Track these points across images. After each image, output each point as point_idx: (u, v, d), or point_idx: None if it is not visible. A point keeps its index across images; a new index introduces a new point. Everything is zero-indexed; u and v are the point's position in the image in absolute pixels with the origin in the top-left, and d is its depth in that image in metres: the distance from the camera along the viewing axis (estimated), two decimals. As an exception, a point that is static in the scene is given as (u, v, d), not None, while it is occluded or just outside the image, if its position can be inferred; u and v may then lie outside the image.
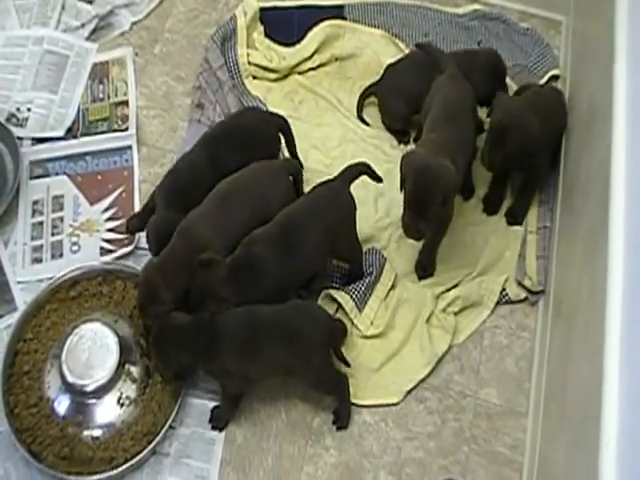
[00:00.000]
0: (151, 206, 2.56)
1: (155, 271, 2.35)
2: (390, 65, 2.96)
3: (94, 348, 2.35)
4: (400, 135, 2.96)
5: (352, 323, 2.56)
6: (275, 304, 2.29)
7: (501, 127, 2.53)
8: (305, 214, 2.39)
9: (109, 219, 2.76)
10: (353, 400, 2.44)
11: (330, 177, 2.50)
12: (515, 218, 2.79)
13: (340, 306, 2.58)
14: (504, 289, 2.68)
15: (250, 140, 2.58)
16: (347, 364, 2.40)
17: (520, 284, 2.68)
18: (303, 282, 2.51)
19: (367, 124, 3.00)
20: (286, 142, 2.73)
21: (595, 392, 1.76)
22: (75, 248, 2.72)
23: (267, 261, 2.31)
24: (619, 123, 2.10)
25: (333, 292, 2.58)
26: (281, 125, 2.70)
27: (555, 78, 3.08)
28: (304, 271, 2.45)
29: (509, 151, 2.52)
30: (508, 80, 3.04)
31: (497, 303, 2.66)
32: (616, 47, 2.23)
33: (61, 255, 2.70)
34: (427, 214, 2.32)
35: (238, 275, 2.29)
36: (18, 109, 2.95)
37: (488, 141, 2.56)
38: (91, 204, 2.80)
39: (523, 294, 2.68)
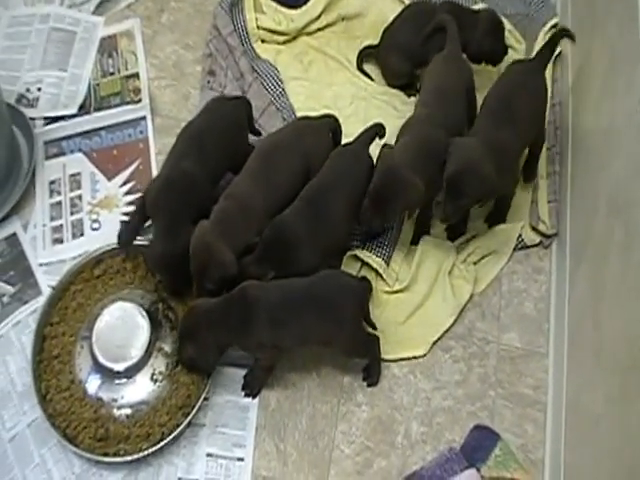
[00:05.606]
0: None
1: (213, 234, 2.14)
2: (386, 28, 2.81)
3: (124, 327, 2.21)
4: (408, 89, 2.82)
5: (380, 278, 2.45)
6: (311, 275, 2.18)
7: (455, 179, 2.25)
8: (330, 182, 2.30)
9: (127, 193, 2.60)
10: (381, 355, 2.34)
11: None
12: (495, 222, 2.58)
13: (365, 262, 2.46)
14: (519, 235, 2.57)
15: (227, 130, 2.41)
16: (374, 327, 2.30)
17: (534, 229, 2.58)
18: (337, 250, 2.40)
19: (370, 77, 2.86)
20: (248, 119, 2.56)
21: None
22: (96, 225, 2.56)
23: (299, 235, 2.20)
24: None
25: (358, 252, 2.46)
26: (245, 105, 2.53)
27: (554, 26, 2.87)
28: (337, 239, 2.33)
29: (465, 202, 2.28)
30: (510, 26, 2.89)
31: (513, 249, 2.56)
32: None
33: (82, 234, 2.54)
34: (384, 215, 2.27)
35: (271, 254, 2.19)
36: (28, 89, 2.77)
37: (445, 193, 2.29)
38: (109, 179, 2.64)
39: (538, 239, 2.58)
